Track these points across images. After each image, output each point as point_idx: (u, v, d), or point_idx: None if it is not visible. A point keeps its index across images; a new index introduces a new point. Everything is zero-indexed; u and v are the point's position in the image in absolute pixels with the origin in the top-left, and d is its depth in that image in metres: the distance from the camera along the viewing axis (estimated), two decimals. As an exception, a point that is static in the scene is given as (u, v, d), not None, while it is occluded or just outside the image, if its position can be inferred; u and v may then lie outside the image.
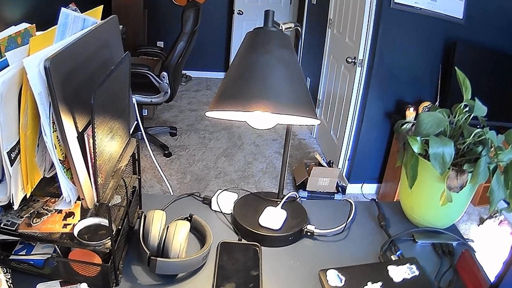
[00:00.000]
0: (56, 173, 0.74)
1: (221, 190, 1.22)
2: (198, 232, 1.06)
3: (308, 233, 1.09)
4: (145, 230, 0.92)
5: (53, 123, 0.69)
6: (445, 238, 1.10)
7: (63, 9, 0.74)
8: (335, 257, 1.04)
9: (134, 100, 1.14)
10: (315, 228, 1.09)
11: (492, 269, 0.93)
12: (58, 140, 0.71)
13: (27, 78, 0.63)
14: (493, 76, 2.77)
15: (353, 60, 3.01)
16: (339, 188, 3.09)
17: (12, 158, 0.68)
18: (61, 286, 0.84)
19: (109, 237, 0.83)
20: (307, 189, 3.01)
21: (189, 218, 1.06)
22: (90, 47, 0.82)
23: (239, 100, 0.82)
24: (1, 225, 0.84)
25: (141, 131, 2.37)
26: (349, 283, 0.90)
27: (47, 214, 0.87)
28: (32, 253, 0.87)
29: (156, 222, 0.92)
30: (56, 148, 0.71)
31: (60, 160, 0.72)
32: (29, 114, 0.68)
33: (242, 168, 3.45)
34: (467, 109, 1.08)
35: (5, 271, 0.83)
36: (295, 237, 1.08)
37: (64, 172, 0.73)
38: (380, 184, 3.23)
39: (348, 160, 3.24)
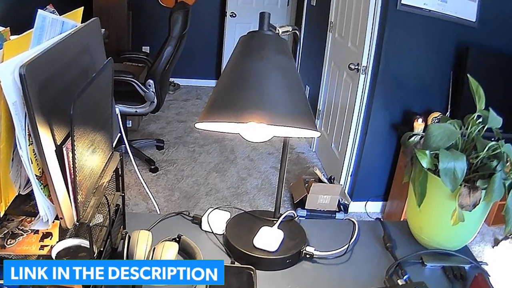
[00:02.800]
0: (32, 190, 0.74)
1: (212, 209, 1.22)
2: (187, 254, 1.06)
3: (307, 256, 1.09)
4: (130, 252, 0.92)
5: (29, 135, 0.69)
6: (456, 261, 1.10)
7: (40, 11, 0.75)
8: (336, 281, 1.04)
9: (117, 110, 1.14)
10: (314, 250, 1.09)
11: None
12: (35, 154, 0.71)
13: (1, 86, 0.63)
14: (509, 84, 2.78)
15: (356, 67, 3.04)
16: (341, 207, 3.08)
17: (-16, 174, 0.68)
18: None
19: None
20: (306, 207, 3.00)
21: (178, 239, 1.06)
22: (69, 53, 0.82)
23: (231, 110, 0.83)
24: (-29, 247, 0.83)
25: (125, 144, 2.36)
26: (352, 311, 0.90)
27: (22, 235, 0.87)
28: (4, 277, 0.86)
29: (141, 244, 0.92)
30: (32, 163, 0.71)
31: (36, 175, 0.72)
32: (2, 126, 0.69)
33: (235, 185, 3.45)
34: (480, 120, 1.09)
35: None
36: (293, 260, 1.08)
37: (41, 188, 0.74)
38: (385, 202, 3.24)
39: (350, 176, 3.25)
